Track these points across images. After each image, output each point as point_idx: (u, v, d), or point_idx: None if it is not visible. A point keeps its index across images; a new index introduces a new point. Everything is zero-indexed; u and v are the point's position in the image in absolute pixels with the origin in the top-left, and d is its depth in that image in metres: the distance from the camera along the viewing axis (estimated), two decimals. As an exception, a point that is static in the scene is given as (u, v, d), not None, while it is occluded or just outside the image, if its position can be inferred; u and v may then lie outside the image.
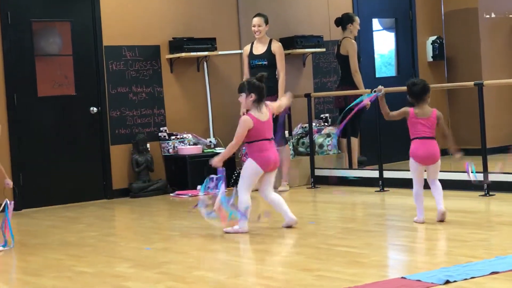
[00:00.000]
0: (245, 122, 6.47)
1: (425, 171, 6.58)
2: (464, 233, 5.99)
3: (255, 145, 6.49)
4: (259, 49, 9.30)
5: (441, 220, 6.43)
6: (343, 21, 9.96)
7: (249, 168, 6.52)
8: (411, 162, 6.59)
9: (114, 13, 9.47)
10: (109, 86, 9.44)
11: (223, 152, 6.59)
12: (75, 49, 9.27)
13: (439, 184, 6.55)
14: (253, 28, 9.25)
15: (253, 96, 6.54)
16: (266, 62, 9.23)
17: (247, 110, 6.72)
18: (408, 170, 8.88)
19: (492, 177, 7.77)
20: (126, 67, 9.55)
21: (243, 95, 6.60)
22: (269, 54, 9.24)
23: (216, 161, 6.53)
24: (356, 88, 9.67)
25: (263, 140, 6.48)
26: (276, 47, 9.29)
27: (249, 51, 9.35)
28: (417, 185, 6.56)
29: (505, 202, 7.34)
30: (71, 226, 7.56)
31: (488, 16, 11.66)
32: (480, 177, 6.76)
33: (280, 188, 9.17)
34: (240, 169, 9.72)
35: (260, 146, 6.47)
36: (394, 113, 6.76)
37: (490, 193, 7.71)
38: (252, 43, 9.39)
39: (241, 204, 6.44)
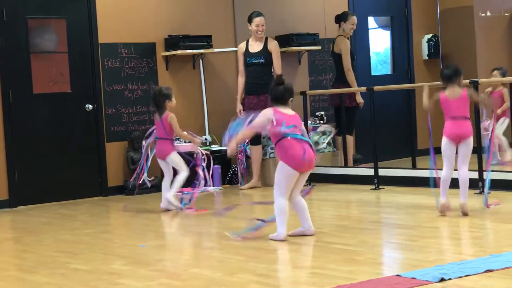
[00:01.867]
0: (264, 113, 6.07)
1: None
2: (459, 231, 6.00)
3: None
4: (255, 47, 9.31)
5: (464, 214, 6.53)
6: (338, 19, 9.97)
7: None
8: (443, 141, 6.66)
9: (109, 11, 9.46)
10: (105, 83, 9.43)
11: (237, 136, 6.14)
12: (70, 46, 9.26)
13: (464, 175, 6.64)
14: (256, 27, 9.25)
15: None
16: (263, 60, 9.24)
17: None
18: (404, 168, 8.96)
19: (491, 176, 7.77)
20: (121, 65, 9.54)
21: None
22: (265, 52, 9.25)
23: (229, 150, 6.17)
24: (350, 86, 9.67)
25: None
26: (273, 45, 9.30)
27: (244, 49, 9.35)
28: (446, 167, 6.63)
29: (500, 200, 7.34)
30: (66, 223, 7.55)
31: (483, 14, 11.68)
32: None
33: (248, 185, 9.28)
34: (236, 166, 9.78)
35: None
36: (431, 103, 6.82)
37: (486, 191, 7.71)
38: (248, 41, 9.39)
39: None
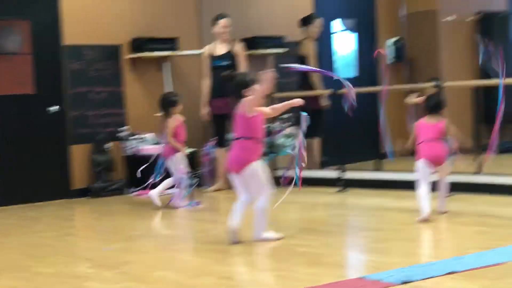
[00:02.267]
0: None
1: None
2: (423, 233, 6.04)
3: None
4: (221, 50, 9.31)
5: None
6: (304, 22, 10.00)
7: None
8: (418, 163, 6.76)
9: (74, 12, 9.40)
10: (69, 85, 9.37)
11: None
12: (34, 48, 9.19)
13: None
14: (222, 29, 9.25)
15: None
16: (228, 63, 9.24)
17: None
18: (370, 170, 9.00)
19: (450, 178, 7.84)
20: (86, 67, 9.49)
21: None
22: (231, 55, 9.25)
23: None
24: (316, 89, 9.71)
25: None
26: (238, 48, 9.31)
27: (210, 52, 9.34)
28: (422, 185, 6.72)
29: (464, 203, 7.41)
30: (30, 226, 7.49)
31: (447, 18, 11.78)
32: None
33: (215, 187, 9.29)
34: (201, 169, 9.76)
35: None
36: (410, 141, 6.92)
37: (450, 193, 7.78)
38: (213, 44, 9.38)
39: None
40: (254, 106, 5.95)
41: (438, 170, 6.76)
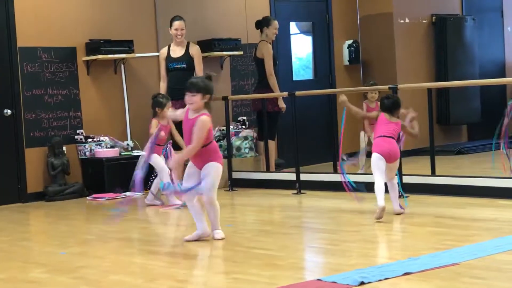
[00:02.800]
0: (207, 123, 6.11)
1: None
2: (379, 235, 6.08)
3: None
4: (177, 52, 9.28)
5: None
6: (261, 24, 10.02)
7: None
8: (373, 156, 6.86)
9: (28, 14, 9.30)
10: (24, 88, 9.27)
11: (182, 155, 6.15)
12: (-12, 50, 9.09)
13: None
14: (175, 31, 9.21)
15: (207, 97, 6.18)
16: (185, 65, 9.22)
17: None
18: (325, 173, 9.04)
19: (405, 179, 7.92)
20: (41, 69, 9.39)
21: (199, 95, 6.16)
22: (187, 57, 9.23)
23: (174, 163, 6.33)
24: (273, 91, 9.72)
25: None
26: (195, 50, 9.29)
27: (166, 54, 9.31)
28: (378, 177, 6.83)
29: (419, 204, 7.47)
30: (-17, 231, 7.39)
31: (402, 21, 11.89)
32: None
33: None
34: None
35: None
36: (367, 114, 7.40)
37: (405, 195, 7.84)
38: (169, 46, 9.35)
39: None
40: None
41: (388, 169, 6.84)
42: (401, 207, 6.90)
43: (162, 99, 8.46)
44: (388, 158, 6.81)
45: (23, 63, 9.26)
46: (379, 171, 6.78)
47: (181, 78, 9.15)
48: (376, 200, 6.60)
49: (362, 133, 9.49)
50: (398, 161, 6.95)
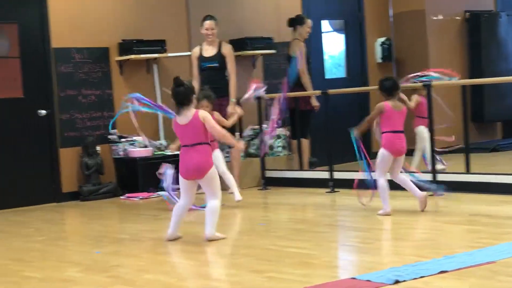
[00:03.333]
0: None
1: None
2: (413, 233, 6.05)
3: None
4: (209, 51, 9.28)
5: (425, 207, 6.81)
6: (294, 22, 10.00)
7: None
8: (384, 154, 6.82)
9: (62, 15, 9.37)
10: (58, 88, 9.34)
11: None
12: (22, 51, 9.15)
13: (402, 176, 6.94)
14: (205, 31, 9.21)
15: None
16: (217, 65, 9.21)
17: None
18: (358, 171, 8.98)
19: (440, 177, 7.86)
20: (75, 69, 9.46)
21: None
22: (219, 56, 9.22)
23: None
24: (306, 89, 9.71)
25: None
26: (227, 49, 9.28)
27: (198, 54, 9.32)
28: (383, 177, 6.86)
29: (453, 202, 7.42)
30: (19, 231, 7.46)
31: (435, 18, 11.81)
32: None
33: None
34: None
35: None
36: (372, 115, 7.00)
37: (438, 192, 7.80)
38: (201, 45, 9.36)
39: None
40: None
41: (396, 164, 6.88)
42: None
43: (209, 92, 8.13)
44: (399, 154, 6.87)
45: (57, 64, 9.33)
46: (384, 169, 6.87)
47: (213, 78, 9.19)
48: (385, 204, 6.76)
49: (421, 127, 9.29)
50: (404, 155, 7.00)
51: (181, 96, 6.18)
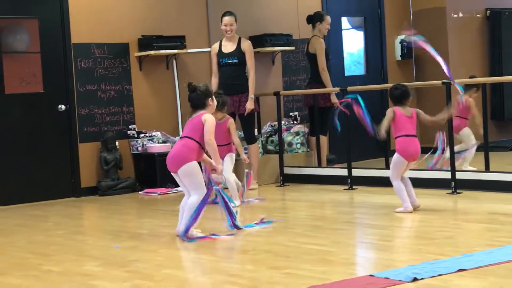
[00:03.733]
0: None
1: None
2: (432, 231, 6.03)
3: None
4: (229, 47, 9.28)
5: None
6: (313, 19, 9.99)
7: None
8: (399, 158, 6.85)
9: (82, 11, 9.41)
10: (78, 83, 9.38)
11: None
12: (43, 47, 9.20)
13: (407, 179, 6.97)
14: (224, 27, 9.21)
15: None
16: (236, 61, 9.21)
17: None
18: (377, 168, 8.97)
19: (459, 175, 7.84)
20: (94, 65, 9.49)
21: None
22: (239, 52, 9.22)
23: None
24: (325, 86, 9.70)
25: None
26: (246, 45, 9.28)
27: (218, 50, 9.32)
28: (397, 180, 6.91)
29: (472, 200, 7.40)
30: (38, 225, 7.50)
31: (456, 15, 11.76)
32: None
33: (250, 186, 9.16)
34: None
35: None
36: (384, 123, 6.97)
37: (458, 191, 7.77)
38: (221, 41, 9.36)
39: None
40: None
41: (407, 167, 6.92)
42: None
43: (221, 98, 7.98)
44: (413, 159, 6.88)
45: (77, 59, 9.37)
46: (400, 173, 6.91)
47: (232, 74, 9.20)
48: (405, 201, 6.83)
49: (466, 129, 9.20)
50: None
51: (195, 101, 6.32)
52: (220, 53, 9.29)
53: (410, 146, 6.85)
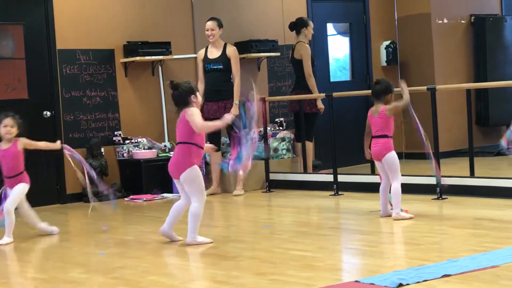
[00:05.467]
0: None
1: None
2: (417, 236, 6.04)
3: None
4: (214, 53, 9.29)
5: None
6: (297, 25, 10.01)
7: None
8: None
9: (67, 17, 9.39)
10: (63, 89, 9.36)
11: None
12: (28, 53, 9.18)
13: (394, 189, 6.84)
14: (206, 32, 9.24)
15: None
16: (221, 66, 9.22)
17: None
18: (363, 174, 9.00)
19: (444, 181, 7.85)
20: (80, 71, 9.48)
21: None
22: (224, 58, 9.23)
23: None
24: (310, 92, 9.71)
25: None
26: (231, 51, 9.28)
27: (203, 56, 9.33)
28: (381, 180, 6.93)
29: (457, 206, 7.42)
30: (22, 232, 7.46)
31: (440, 21, 11.81)
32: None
33: (235, 192, 9.18)
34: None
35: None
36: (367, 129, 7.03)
37: (443, 196, 7.79)
38: (207, 48, 9.37)
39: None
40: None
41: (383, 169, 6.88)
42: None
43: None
44: (376, 158, 6.88)
45: (62, 65, 9.35)
46: (380, 173, 6.94)
47: (217, 80, 9.20)
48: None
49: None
50: (389, 159, 6.83)
51: (177, 99, 6.27)
52: (205, 59, 9.30)
53: (372, 146, 6.92)
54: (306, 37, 9.95)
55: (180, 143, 6.19)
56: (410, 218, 6.69)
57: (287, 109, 10.68)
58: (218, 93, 9.17)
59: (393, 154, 6.82)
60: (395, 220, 6.67)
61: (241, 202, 8.67)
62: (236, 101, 9.10)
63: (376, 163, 6.95)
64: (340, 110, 10.14)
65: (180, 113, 6.22)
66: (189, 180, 6.10)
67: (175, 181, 6.29)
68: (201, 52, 9.42)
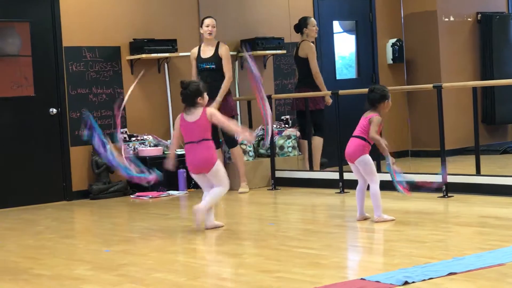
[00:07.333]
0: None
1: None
2: (423, 234, 6.03)
3: None
4: (207, 52, 9.21)
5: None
6: (299, 26, 10.00)
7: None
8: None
9: (74, 14, 9.40)
10: (69, 87, 9.37)
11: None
12: (34, 50, 9.19)
13: (372, 191, 6.68)
14: (206, 28, 9.13)
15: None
16: (214, 66, 9.12)
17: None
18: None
19: (450, 179, 7.85)
20: (86, 68, 9.49)
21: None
22: (216, 58, 9.13)
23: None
24: (314, 90, 9.70)
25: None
26: (223, 50, 9.17)
27: (196, 54, 9.27)
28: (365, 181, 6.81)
29: (463, 204, 7.41)
30: (29, 229, 7.48)
31: (447, 19, 11.79)
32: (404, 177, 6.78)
33: (240, 190, 9.17)
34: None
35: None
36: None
37: (449, 194, 7.78)
38: (200, 46, 9.31)
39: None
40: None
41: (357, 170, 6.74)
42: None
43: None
44: (349, 160, 6.74)
45: (69, 63, 9.36)
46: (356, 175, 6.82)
47: (210, 79, 9.05)
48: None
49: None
50: (362, 162, 6.67)
51: (185, 98, 6.67)
52: (198, 58, 9.23)
53: (348, 145, 6.79)
54: (308, 36, 9.93)
55: (203, 140, 6.57)
56: (392, 220, 6.62)
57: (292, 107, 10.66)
58: (211, 92, 9.10)
59: (367, 157, 6.66)
60: (376, 222, 6.61)
61: (246, 199, 8.68)
62: (219, 98, 8.99)
63: (350, 164, 6.77)
64: (346, 108, 10.10)
65: (188, 112, 6.60)
66: (216, 171, 6.59)
67: (195, 176, 6.70)
68: (194, 51, 9.33)
